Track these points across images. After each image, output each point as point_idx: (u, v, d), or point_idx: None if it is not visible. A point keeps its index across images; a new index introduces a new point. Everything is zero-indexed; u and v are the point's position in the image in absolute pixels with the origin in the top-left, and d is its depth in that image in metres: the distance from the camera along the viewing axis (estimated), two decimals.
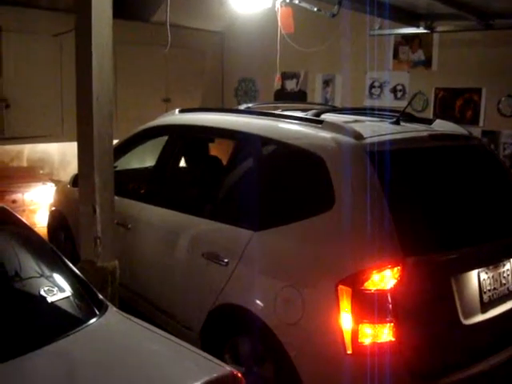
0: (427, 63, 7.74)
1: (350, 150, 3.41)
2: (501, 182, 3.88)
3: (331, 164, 3.38)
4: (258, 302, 3.50)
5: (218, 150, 4.65)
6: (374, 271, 3.10)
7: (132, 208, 4.61)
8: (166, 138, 4.67)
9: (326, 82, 8.34)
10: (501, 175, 3.92)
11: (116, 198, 4.46)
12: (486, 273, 3.45)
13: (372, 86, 8.13)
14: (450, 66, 7.51)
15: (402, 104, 7.44)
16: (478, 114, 7.51)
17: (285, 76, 8.43)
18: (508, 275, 3.58)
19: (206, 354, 2.62)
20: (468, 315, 3.34)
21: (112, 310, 2.89)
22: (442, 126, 4.02)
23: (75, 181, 5.13)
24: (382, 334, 3.12)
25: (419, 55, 7.79)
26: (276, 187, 3.69)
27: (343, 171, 3.37)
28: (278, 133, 3.76)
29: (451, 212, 3.44)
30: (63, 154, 7.92)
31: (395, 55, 7.96)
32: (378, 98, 8.09)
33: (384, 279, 3.11)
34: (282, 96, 8.34)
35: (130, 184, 4.82)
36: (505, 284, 3.55)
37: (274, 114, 4.01)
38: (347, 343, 3.13)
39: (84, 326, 2.68)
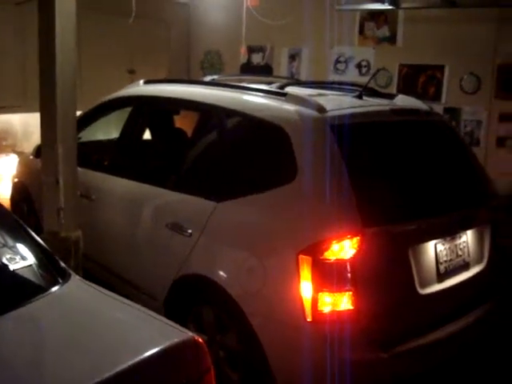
0: (392, 39, 7.80)
1: (313, 122, 3.46)
2: (459, 157, 3.98)
3: (294, 136, 3.43)
4: (220, 271, 3.56)
5: (183, 122, 4.66)
6: (334, 241, 3.18)
7: (96, 179, 4.62)
8: (130, 109, 4.67)
9: (292, 57, 8.36)
10: (459, 150, 4.02)
11: (80, 169, 4.47)
12: (443, 244, 3.56)
13: (337, 61, 8.17)
14: (414, 42, 7.58)
15: (366, 80, 7.48)
16: (441, 90, 7.61)
17: (251, 49, 8.44)
18: (464, 247, 3.69)
19: (168, 321, 2.63)
20: (424, 285, 3.45)
21: (75, 279, 2.89)
22: (404, 101, 4.09)
23: (38, 152, 5.10)
24: (341, 302, 3.21)
25: (384, 31, 7.84)
26: (239, 159, 3.74)
27: (305, 143, 3.42)
28: (242, 105, 3.80)
29: (410, 185, 3.53)
30: (26, 125, 7.82)
31: (361, 31, 8.00)
32: (343, 74, 8.13)
33: (343, 249, 3.20)
34: (248, 70, 8.33)
35: (94, 155, 4.82)
36: (461, 255, 3.67)
37: (239, 86, 4.04)
38: (307, 311, 3.21)
39: (46, 293, 2.67)
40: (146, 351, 2.28)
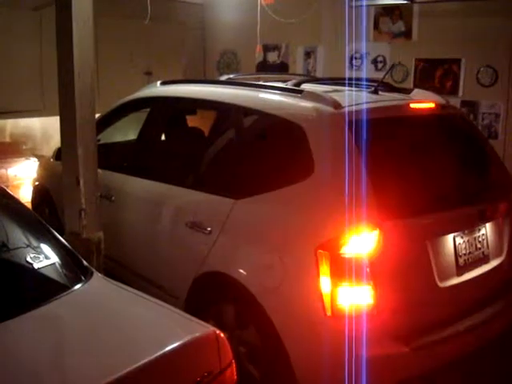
0: (407, 34, 7.77)
1: (329, 118, 3.49)
2: (477, 150, 3.98)
3: (310, 133, 3.46)
4: (239, 268, 3.60)
5: (200, 122, 4.70)
6: (352, 235, 3.20)
7: (115, 180, 4.68)
8: (148, 110, 4.72)
9: (308, 54, 8.37)
10: (477, 143, 4.02)
11: (99, 170, 4.53)
12: (462, 237, 3.56)
13: (353, 58, 8.17)
14: (429, 36, 7.54)
15: (382, 75, 7.48)
16: (458, 84, 7.58)
17: (266, 48, 8.46)
18: (483, 240, 3.69)
19: (189, 316, 2.68)
20: (444, 278, 3.46)
21: (97, 276, 2.94)
22: (420, 95, 4.10)
23: (58, 154, 5.17)
24: (360, 296, 3.23)
25: (399, 26, 7.82)
26: (256, 156, 3.77)
27: (322, 139, 3.45)
28: (258, 103, 3.84)
29: (428, 178, 3.54)
30: (45, 129, 7.91)
31: (376, 26, 7.99)
32: (359, 70, 8.13)
33: (362, 243, 3.22)
34: (264, 68, 8.37)
35: (114, 157, 4.87)
36: (480, 248, 3.67)
37: (255, 84, 4.08)
38: (327, 306, 3.24)
39: (70, 291, 2.74)
40: (169, 345, 2.33)
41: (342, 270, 3.22)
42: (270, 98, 3.85)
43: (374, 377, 3.20)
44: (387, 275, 3.26)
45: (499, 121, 7.30)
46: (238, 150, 3.88)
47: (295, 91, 3.76)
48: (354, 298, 3.23)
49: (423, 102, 3.88)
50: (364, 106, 3.56)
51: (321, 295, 3.25)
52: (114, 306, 2.76)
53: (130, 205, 4.50)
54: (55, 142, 6.60)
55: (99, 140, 4.95)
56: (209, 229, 3.79)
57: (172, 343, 2.35)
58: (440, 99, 4.10)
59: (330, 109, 3.51)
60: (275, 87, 3.91)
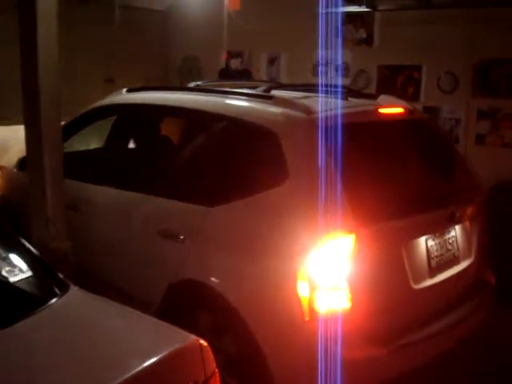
0: (369, 41, 7.91)
1: (302, 124, 3.54)
2: (444, 154, 4.08)
3: (283, 138, 3.51)
4: (215, 276, 3.61)
5: (166, 129, 4.69)
6: (329, 241, 3.25)
7: (82, 190, 4.61)
8: (114, 118, 4.71)
9: (271, 61, 8.44)
10: (444, 147, 4.13)
11: (65, 180, 4.50)
12: (433, 239, 3.65)
13: (317, 64, 8.26)
14: (391, 43, 7.68)
15: (345, 82, 7.61)
16: (419, 90, 7.75)
17: (229, 54, 8.49)
18: (453, 241, 3.79)
19: (171, 326, 2.66)
20: (417, 280, 3.54)
21: (74, 289, 2.87)
22: (386, 100, 4.18)
23: (22, 164, 5.10)
24: (338, 300, 3.28)
25: (361, 33, 7.95)
26: (229, 163, 3.80)
27: (295, 145, 3.51)
28: (229, 109, 3.88)
29: (400, 182, 3.63)
30: (3, 139, 7.75)
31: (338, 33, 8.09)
32: (323, 76, 8.21)
33: (338, 248, 3.27)
34: (227, 75, 8.38)
35: (79, 166, 4.79)
36: (450, 250, 3.76)
37: (224, 91, 4.10)
38: (305, 311, 3.28)
39: (46, 305, 2.66)
40: (152, 357, 2.31)
41: (319, 274, 3.26)
42: (241, 104, 3.88)
43: (353, 380, 3.25)
44: (363, 279, 3.31)
45: (460, 126, 7.47)
46: (209, 157, 3.90)
47: (265, 97, 3.81)
48: (332, 302, 3.28)
49: (392, 107, 3.97)
50: (335, 112, 3.62)
51: (299, 300, 3.29)
52: (91, 319, 2.70)
53: (98, 215, 4.46)
54: (15, 151, 6.48)
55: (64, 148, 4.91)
56: (181, 237, 3.80)
57: (155, 355, 2.33)
58: (406, 105, 4.18)
59: (301, 114, 3.57)
60: (245, 93, 3.95)
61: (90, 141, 5.62)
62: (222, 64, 8.41)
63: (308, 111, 3.57)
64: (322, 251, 3.26)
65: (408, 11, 7.44)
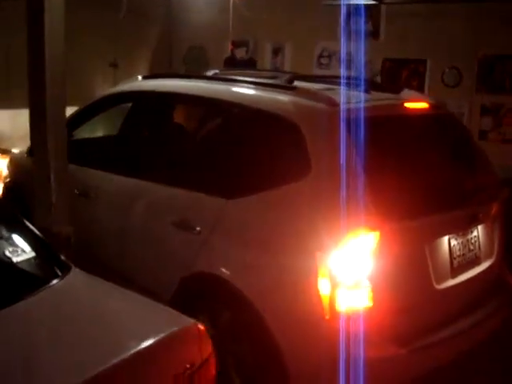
0: (375, 34, 7.75)
1: (326, 116, 3.35)
2: (468, 151, 3.90)
3: (306, 131, 3.31)
4: (232, 270, 3.43)
5: (184, 118, 4.48)
6: (352, 237, 3.07)
7: (96, 177, 4.39)
8: (129, 105, 4.48)
9: (276, 51, 8.25)
10: (467, 144, 3.94)
11: (77, 167, 4.30)
12: (456, 239, 3.48)
13: (321, 56, 8.09)
14: (397, 37, 7.55)
15: (350, 74, 7.45)
16: (423, 84, 7.60)
17: (234, 44, 8.29)
18: (475, 241, 3.62)
19: (170, 309, 2.63)
20: (440, 280, 3.37)
21: (75, 271, 2.81)
22: (410, 95, 3.99)
23: (31, 150, 4.88)
24: (360, 299, 3.12)
25: (368, 26, 7.77)
26: (250, 155, 3.60)
27: (319, 138, 3.31)
28: (250, 99, 3.66)
29: (425, 179, 3.43)
30: (14, 122, 7.52)
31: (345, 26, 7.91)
32: (327, 68, 8.06)
33: (361, 245, 3.10)
34: (232, 64, 8.20)
35: (92, 153, 4.59)
36: (472, 250, 3.59)
37: (245, 80, 3.89)
38: (325, 309, 3.11)
39: (47, 286, 2.62)
40: (150, 338, 2.30)
41: (342, 272, 3.09)
42: (263, 94, 3.66)
43: (373, 379, 3.09)
44: (386, 277, 3.15)
45: (463, 120, 7.31)
46: (229, 148, 3.70)
47: (288, 88, 3.61)
48: (353, 301, 3.12)
49: (417, 102, 3.78)
50: (359, 105, 3.43)
51: (319, 298, 3.12)
52: (91, 301, 2.65)
53: (111, 203, 4.24)
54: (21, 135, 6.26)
55: (73, 136, 4.70)
56: (198, 228, 3.60)
57: (154, 336, 2.32)
58: (431, 99, 3.99)
59: (325, 106, 3.38)
60: (266, 84, 3.74)
61: (97, 128, 5.39)
62: (228, 53, 8.20)
63: (332, 103, 3.38)
64: (344, 248, 3.09)
65: (414, 5, 7.29)
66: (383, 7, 7.65)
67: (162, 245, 3.87)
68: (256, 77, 4.06)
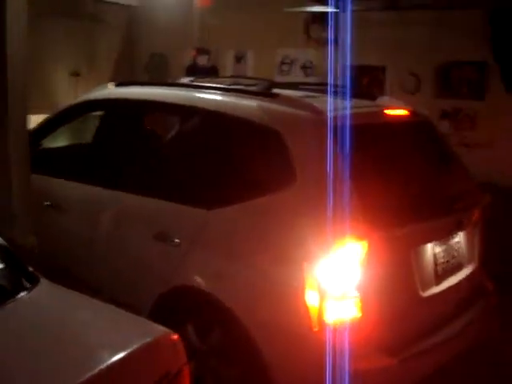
0: (336, 41, 7.69)
1: (311, 125, 3.26)
2: (446, 158, 3.84)
3: (290, 139, 3.21)
4: (214, 282, 3.30)
5: (160, 127, 4.29)
6: (340, 247, 2.98)
7: (68, 189, 4.15)
8: (100, 113, 4.29)
9: (238, 58, 8.14)
10: (445, 151, 3.87)
11: (47, 178, 4.09)
12: (440, 246, 3.41)
13: (282, 63, 8.03)
14: (357, 44, 7.50)
15: (312, 80, 7.39)
16: (383, 90, 7.59)
17: (198, 52, 8.14)
18: (458, 247, 3.56)
19: (143, 319, 2.58)
20: (425, 288, 3.30)
21: (44, 282, 2.67)
22: (387, 101, 3.92)
23: None
24: (349, 309, 3.02)
25: (329, 34, 7.72)
26: (230, 164, 3.46)
27: (304, 147, 3.22)
28: (231, 107, 3.51)
29: (409, 186, 3.37)
30: None
31: (306, 33, 7.88)
32: (288, 75, 8.00)
33: (349, 254, 3.01)
34: (194, 72, 8.04)
35: (64, 163, 4.36)
36: (455, 256, 3.53)
37: (225, 88, 3.74)
38: (313, 320, 3.01)
39: (14, 299, 2.47)
40: (125, 350, 2.21)
41: (331, 282, 2.99)
42: (243, 102, 3.53)
43: None
44: (373, 287, 3.06)
45: None
46: (208, 158, 3.55)
47: (269, 95, 3.49)
48: (342, 312, 3.02)
49: (398, 109, 3.71)
50: (343, 112, 3.34)
51: (307, 310, 3.02)
52: (62, 312, 2.53)
53: (85, 215, 4.02)
54: None
55: (40, 145, 4.48)
56: (177, 240, 3.45)
57: (128, 347, 2.23)
58: (408, 106, 3.92)
59: (309, 114, 3.28)
60: (246, 91, 3.62)
61: (61, 137, 5.16)
62: (189, 61, 8.05)
63: (316, 111, 3.28)
64: (332, 258, 2.99)
65: (374, 12, 7.29)
66: (343, 15, 7.60)
67: (140, 257, 3.69)
68: (234, 84, 3.92)
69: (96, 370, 2.05)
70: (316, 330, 3.01)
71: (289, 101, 3.39)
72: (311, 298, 3.00)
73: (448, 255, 3.46)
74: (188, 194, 3.52)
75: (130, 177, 3.87)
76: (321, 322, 3.00)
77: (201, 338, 3.39)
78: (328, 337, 2.98)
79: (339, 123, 3.21)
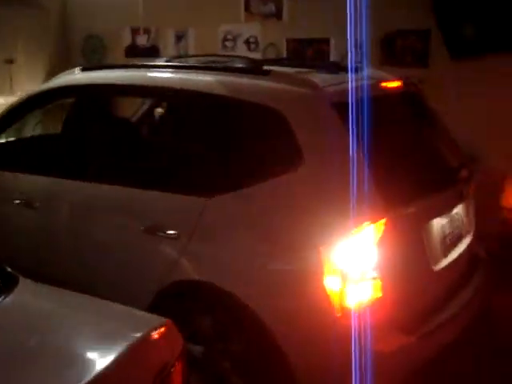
0: (278, 15, 7.48)
1: (312, 101, 3.03)
2: (438, 129, 3.67)
3: (292, 118, 2.97)
4: (222, 275, 3.05)
5: (137, 111, 3.92)
6: (358, 228, 2.79)
7: (41, 184, 3.74)
8: (69, 100, 3.88)
9: (179, 37, 7.76)
10: (436, 122, 3.71)
11: (14, 173, 3.71)
12: (445, 218, 3.28)
13: (225, 39, 7.72)
14: (299, 17, 7.31)
15: (256, 56, 7.15)
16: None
17: (135, 31, 7.71)
18: (458, 218, 3.44)
19: (136, 310, 2.43)
20: (435, 261, 3.17)
21: (24, 283, 2.46)
22: (374, 73, 3.72)
23: None
24: (370, 291, 2.86)
25: (270, 7, 7.50)
26: (228, 149, 3.19)
27: (308, 125, 2.99)
28: (223, 87, 3.19)
29: (415, 161, 3.20)
30: None
31: (247, 8, 7.59)
32: (233, 51, 7.70)
33: (367, 235, 2.83)
34: (134, 52, 7.63)
35: (33, 156, 3.93)
36: (457, 226, 3.41)
37: (211, 67, 3.44)
38: (336, 306, 2.83)
39: None
40: (123, 344, 2.07)
41: (350, 265, 2.81)
42: (234, 80, 3.24)
43: (387, 372, 2.87)
44: (391, 266, 2.90)
45: None
46: (202, 143, 3.26)
47: (261, 72, 3.22)
48: (364, 294, 2.85)
49: (392, 81, 3.52)
50: (341, 87, 3.13)
51: (327, 295, 2.83)
52: (49, 313, 2.34)
53: (64, 212, 3.64)
54: None
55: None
56: (173, 232, 3.17)
57: (126, 342, 2.09)
58: (397, 77, 3.72)
59: (308, 90, 3.05)
60: (234, 68, 3.34)
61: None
62: (128, 42, 7.62)
63: (313, 87, 3.05)
64: (350, 240, 2.80)
65: None
66: None
67: (131, 254, 3.37)
68: (211, 63, 3.63)
69: (92, 375, 1.89)
70: (339, 315, 2.83)
71: (283, 77, 3.14)
72: (331, 283, 2.82)
73: (451, 226, 3.33)
74: (183, 183, 3.23)
75: (112, 167, 3.52)
76: (343, 307, 2.83)
77: (210, 335, 3.15)
78: (352, 321, 2.81)
79: (341, 98, 3.01)
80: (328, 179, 2.88)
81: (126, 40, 7.72)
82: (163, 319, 2.28)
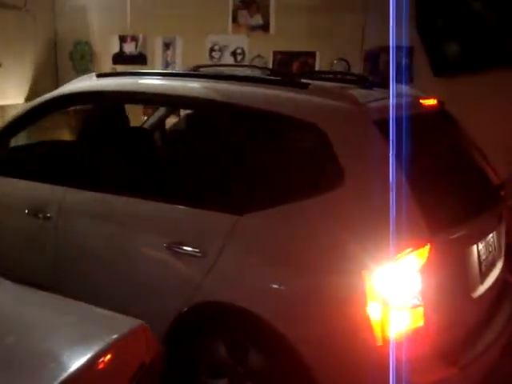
0: (265, 27, 7.27)
1: (355, 117, 2.75)
2: (473, 149, 3.43)
3: (333, 134, 2.68)
4: (256, 298, 2.74)
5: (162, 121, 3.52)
6: (403, 253, 2.53)
7: (56, 194, 3.34)
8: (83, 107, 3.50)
9: (167, 45, 7.43)
10: (470, 141, 3.46)
11: (26, 182, 3.34)
12: (482, 242, 3.03)
13: (212, 50, 7.43)
14: (286, 30, 7.14)
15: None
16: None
17: (123, 39, 7.34)
18: (492, 242, 3.19)
19: (111, 313, 2.31)
20: (474, 288, 2.92)
21: (4, 283, 2.41)
22: (407, 90, 3.44)
23: None
24: (413, 319, 2.59)
25: (257, 19, 7.28)
26: (263, 164, 2.86)
27: (349, 142, 2.71)
28: (260, 100, 2.88)
29: (457, 182, 2.93)
30: None
31: (234, 19, 7.34)
32: (219, 62, 7.42)
33: (413, 261, 2.57)
34: (121, 60, 7.26)
35: (47, 164, 3.49)
36: (491, 252, 3.16)
37: (244, 77, 3.11)
38: (377, 335, 2.55)
39: None
40: (101, 343, 2.00)
41: (394, 292, 2.54)
42: (269, 93, 2.92)
43: None
44: (435, 292, 2.64)
45: None
46: (235, 157, 2.92)
47: (298, 85, 2.92)
48: (407, 323, 2.58)
49: (428, 99, 3.26)
50: (383, 103, 2.87)
51: (369, 323, 2.55)
52: (25, 315, 2.23)
53: (80, 224, 3.24)
54: None
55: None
56: (199, 250, 2.84)
57: (104, 343, 2.01)
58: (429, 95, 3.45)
59: (349, 106, 2.78)
60: (271, 80, 3.03)
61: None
62: (116, 49, 7.24)
63: (354, 102, 2.78)
64: (394, 265, 2.53)
65: None
66: (272, 1, 7.19)
67: (152, 272, 3.03)
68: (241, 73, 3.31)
69: (66, 374, 1.82)
70: (380, 344, 2.55)
71: (323, 91, 2.85)
72: (373, 310, 2.54)
73: (487, 251, 3.09)
74: (213, 198, 2.90)
75: (137, 179, 3.17)
76: (385, 336, 2.55)
77: (236, 360, 2.83)
78: (393, 351, 2.54)
79: (382, 115, 2.75)
80: (370, 200, 2.61)
81: (114, 47, 7.36)
82: (139, 321, 2.21)
